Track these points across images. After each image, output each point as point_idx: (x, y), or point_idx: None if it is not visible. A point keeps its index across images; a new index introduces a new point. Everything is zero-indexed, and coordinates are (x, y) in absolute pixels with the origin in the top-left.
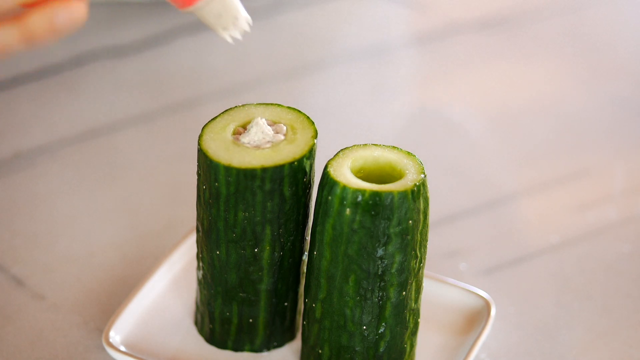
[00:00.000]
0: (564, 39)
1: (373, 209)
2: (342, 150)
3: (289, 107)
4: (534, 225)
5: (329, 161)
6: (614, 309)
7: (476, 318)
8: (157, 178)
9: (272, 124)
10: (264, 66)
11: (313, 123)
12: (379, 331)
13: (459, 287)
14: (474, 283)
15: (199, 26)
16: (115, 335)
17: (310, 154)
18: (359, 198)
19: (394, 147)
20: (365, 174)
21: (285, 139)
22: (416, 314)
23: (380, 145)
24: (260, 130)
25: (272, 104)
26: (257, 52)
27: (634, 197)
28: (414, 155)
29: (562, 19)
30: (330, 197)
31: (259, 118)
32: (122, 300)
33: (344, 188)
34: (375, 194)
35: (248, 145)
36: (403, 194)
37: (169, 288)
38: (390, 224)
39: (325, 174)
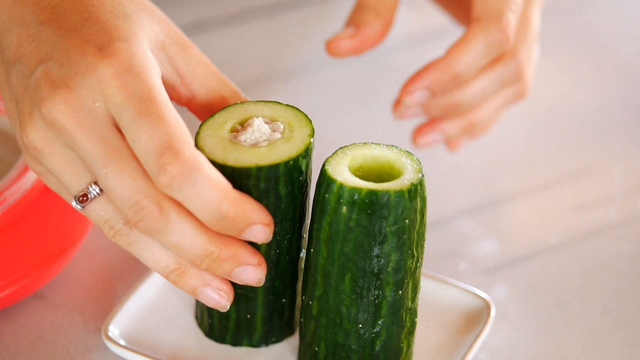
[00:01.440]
0: (564, 39)
1: (369, 207)
2: (341, 148)
3: (287, 105)
4: (534, 225)
5: (327, 159)
6: (614, 309)
7: (476, 318)
8: None
9: (270, 122)
10: (263, 66)
11: (310, 121)
12: (375, 330)
13: (459, 287)
14: (474, 283)
15: (198, 26)
16: (115, 329)
17: (307, 152)
18: (356, 196)
19: (392, 146)
20: (364, 173)
21: (282, 137)
22: (413, 313)
23: (379, 144)
24: (258, 129)
25: (270, 101)
26: (257, 52)
27: (634, 197)
28: (412, 154)
29: (562, 19)
30: (327, 195)
31: (257, 117)
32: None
33: (341, 186)
34: (372, 193)
35: (245, 143)
36: (399, 193)
37: (169, 283)
38: (387, 222)
39: (323, 172)
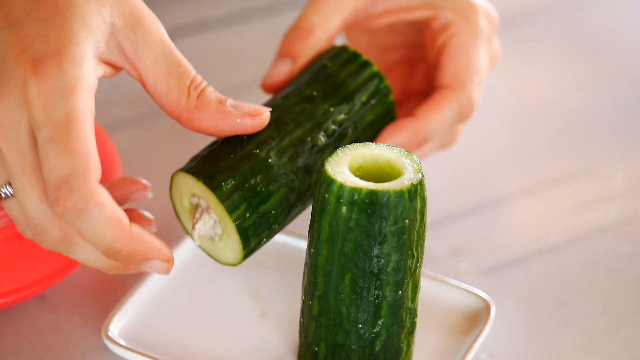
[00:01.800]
0: (564, 39)
1: (369, 207)
2: (341, 148)
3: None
4: (534, 225)
5: (327, 159)
6: (614, 309)
7: (476, 318)
8: (157, 178)
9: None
10: (263, 66)
11: (235, 225)
12: (375, 330)
13: (459, 287)
14: (474, 283)
15: (198, 26)
16: (115, 329)
17: (245, 257)
18: (356, 196)
19: (392, 146)
20: (364, 173)
21: (221, 238)
22: (413, 313)
23: (379, 144)
24: (205, 226)
25: (199, 180)
26: (257, 52)
27: (634, 197)
28: (412, 155)
29: (562, 19)
30: (327, 195)
31: (205, 214)
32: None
33: (341, 186)
34: (372, 193)
35: (204, 236)
36: (399, 193)
37: (169, 283)
38: (387, 222)
39: (323, 172)
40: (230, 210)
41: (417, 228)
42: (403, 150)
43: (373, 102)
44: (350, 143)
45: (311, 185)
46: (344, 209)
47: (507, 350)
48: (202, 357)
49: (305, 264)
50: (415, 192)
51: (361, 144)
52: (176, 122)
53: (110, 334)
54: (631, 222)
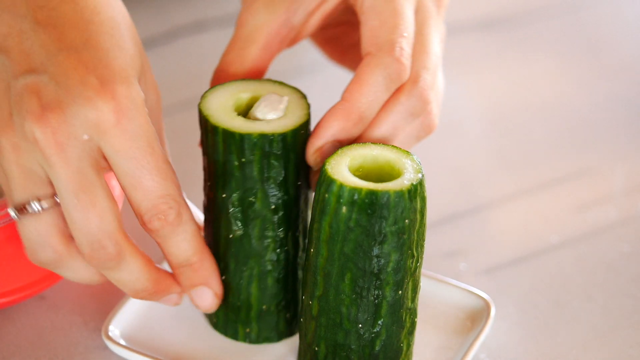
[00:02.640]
0: (564, 39)
1: (369, 207)
2: (341, 148)
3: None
4: (534, 225)
5: (327, 159)
6: (614, 308)
7: (476, 318)
8: None
9: None
10: None
11: (247, 344)
12: (375, 330)
13: (459, 287)
14: (474, 283)
15: (198, 26)
16: (115, 329)
17: None
18: (356, 196)
19: (393, 146)
20: (364, 173)
21: None
22: (413, 313)
23: (379, 144)
24: None
25: None
26: None
27: (634, 197)
28: (412, 155)
29: (562, 19)
30: (327, 195)
31: None
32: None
33: (341, 186)
34: (372, 193)
35: None
36: (399, 193)
37: None
38: (387, 222)
39: (323, 172)
40: (233, 337)
41: (417, 228)
42: (403, 150)
43: (252, 156)
44: (272, 206)
45: (297, 252)
46: (344, 209)
47: (507, 350)
48: (202, 357)
49: (305, 264)
50: (415, 192)
51: (361, 144)
52: (174, 122)
53: (110, 334)
54: (631, 222)
